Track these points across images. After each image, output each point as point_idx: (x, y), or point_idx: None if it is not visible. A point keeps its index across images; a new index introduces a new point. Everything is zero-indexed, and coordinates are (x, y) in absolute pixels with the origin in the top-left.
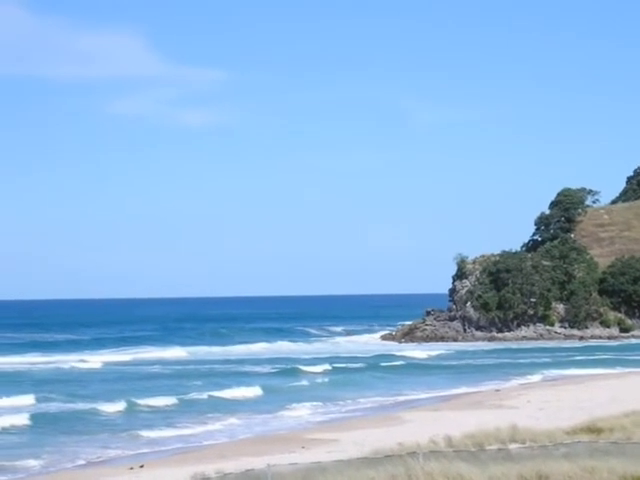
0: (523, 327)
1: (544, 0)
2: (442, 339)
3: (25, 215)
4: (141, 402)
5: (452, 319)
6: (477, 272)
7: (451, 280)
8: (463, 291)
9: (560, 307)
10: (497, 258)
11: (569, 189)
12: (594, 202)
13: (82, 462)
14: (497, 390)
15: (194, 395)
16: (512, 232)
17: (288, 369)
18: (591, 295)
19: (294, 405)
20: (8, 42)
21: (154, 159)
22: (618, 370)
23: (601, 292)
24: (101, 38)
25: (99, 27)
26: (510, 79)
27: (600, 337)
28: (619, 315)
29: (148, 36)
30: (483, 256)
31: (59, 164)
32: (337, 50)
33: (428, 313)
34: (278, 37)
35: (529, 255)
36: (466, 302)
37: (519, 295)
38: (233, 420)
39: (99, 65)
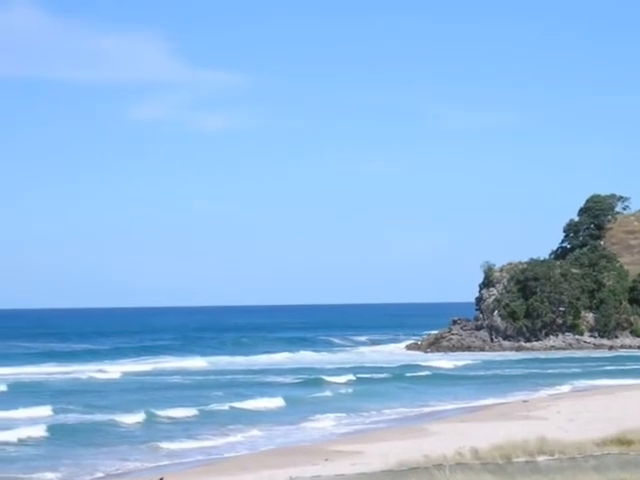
0: (551, 336)
1: (577, 3)
2: (469, 349)
3: (40, 222)
4: (161, 413)
5: (479, 328)
6: (504, 280)
7: (478, 288)
8: (490, 300)
9: (589, 316)
10: (525, 266)
11: (598, 195)
12: (624, 209)
13: (100, 475)
14: (525, 401)
15: (215, 406)
16: (540, 239)
17: (311, 379)
18: (621, 304)
19: (317, 416)
20: (25, 44)
21: (172, 164)
22: None
23: (631, 301)
24: (119, 41)
25: (117, 30)
26: (537, 83)
27: (630, 347)
28: None
29: (167, 39)
30: (511, 264)
31: (75, 170)
32: (358, 53)
33: (454, 322)
34: (297, 39)
35: (558, 263)
36: (493, 311)
37: (547, 304)
38: (255, 432)
39: (117, 68)
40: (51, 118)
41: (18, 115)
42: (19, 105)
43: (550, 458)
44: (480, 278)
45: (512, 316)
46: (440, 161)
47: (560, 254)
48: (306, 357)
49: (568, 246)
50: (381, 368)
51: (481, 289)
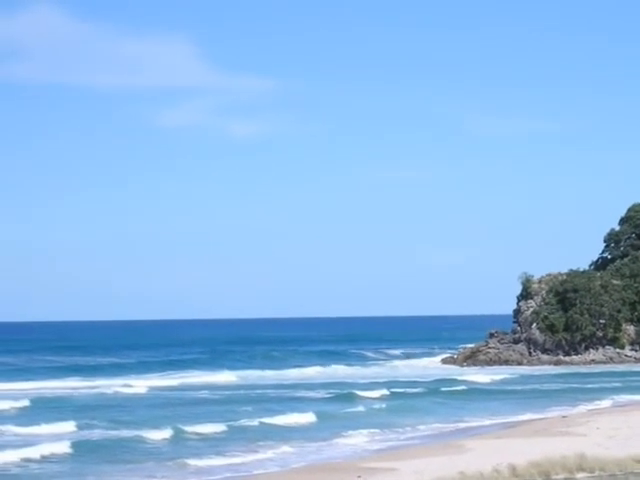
0: (591, 350)
1: (617, 6)
2: (506, 363)
3: (66, 233)
4: (189, 429)
5: (517, 341)
6: (543, 292)
7: (515, 300)
8: (528, 312)
9: (631, 329)
10: (564, 277)
11: None
12: None
13: None
14: (564, 416)
15: (244, 422)
16: (580, 249)
17: (343, 394)
18: None
19: (350, 432)
20: (52, 50)
21: (200, 171)
22: None
23: None
24: (147, 46)
25: (145, 35)
26: (574, 89)
27: None
28: None
29: (195, 44)
30: (549, 275)
31: (102, 178)
32: (389, 59)
33: (491, 335)
34: (327, 44)
35: (598, 274)
36: (531, 324)
37: (587, 316)
38: (285, 448)
39: (145, 74)
40: (77, 125)
41: (44, 122)
42: (45, 111)
43: (589, 475)
44: (518, 290)
45: (551, 329)
46: (476, 170)
47: (600, 265)
48: (338, 371)
49: (609, 256)
50: (415, 382)
51: (519, 301)
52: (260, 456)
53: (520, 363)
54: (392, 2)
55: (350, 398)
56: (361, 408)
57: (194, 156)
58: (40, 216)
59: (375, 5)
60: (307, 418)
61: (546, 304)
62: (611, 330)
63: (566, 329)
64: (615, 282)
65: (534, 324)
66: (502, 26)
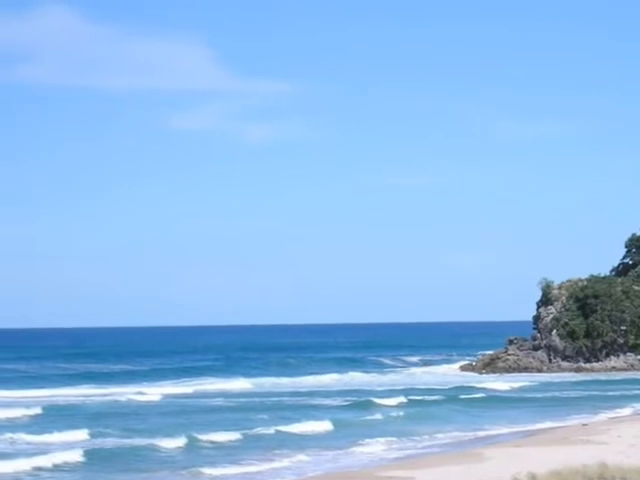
0: (612, 357)
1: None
2: (525, 370)
3: (74, 238)
4: (203, 437)
5: (536, 348)
6: (563, 298)
7: (535, 307)
8: (548, 318)
9: None
10: (585, 283)
11: None
12: None
13: None
14: (584, 424)
15: (260, 430)
16: (601, 255)
17: (361, 402)
18: None
19: (367, 440)
20: (65, 52)
21: (216, 176)
22: None
23: None
24: (162, 48)
25: (160, 37)
26: (594, 91)
27: None
28: None
29: (210, 47)
30: (570, 281)
31: (115, 182)
32: (408, 61)
33: (511, 342)
34: (344, 48)
35: (619, 280)
36: (551, 330)
37: (608, 323)
38: (302, 456)
39: (159, 77)
40: (89, 128)
41: (56, 125)
42: (57, 114)
43: None
44: (537, 296)
45: (571, 336)
46: (496, 174)
47: (622, 270)
48: (355, 378)
49: (630, 262)
50: (434, 390)
51: (539, 307)
52: (276, 465)
53: (540, 370)
54: (409, 4)
55: (367, 406)
56: (378, 416)
57: (207, 160)
58: (50, 219)
59: (392, 7)
60: (323, 426)
61: (566, 310)
62: (632, 337)
63: (587, 336)
64: (636, 288)
65: (554, 330)
66: (516, 29)
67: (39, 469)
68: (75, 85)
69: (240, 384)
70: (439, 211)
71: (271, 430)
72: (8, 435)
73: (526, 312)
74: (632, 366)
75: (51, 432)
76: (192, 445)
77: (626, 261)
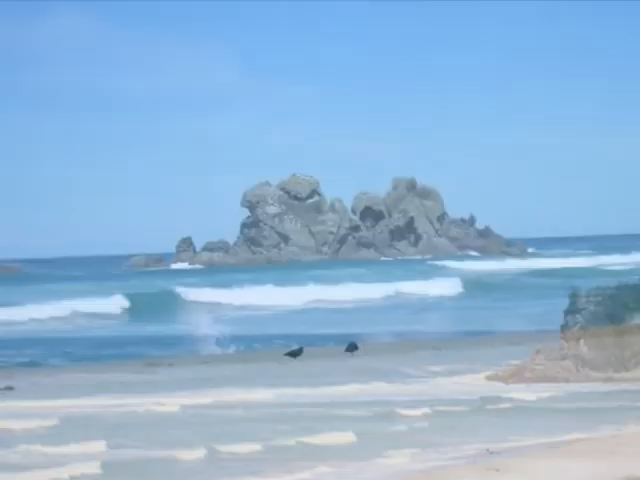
0: None
1: None
2: (553, 380)
3: None
4: (223, 449)
5: (564, 358)
6: (591, 306)
7: (562, 315)
8: (576, 327)
9: None
10: (613, 290)
11: None
12: None
13: None
14: (613, 436)
15: (281, 441)
16: None
17: (384, 412)
18: None
19: (390, 452)
20: (88, 55)
21: (239, 180)
22: None
23: None
24: (184, 52)
25: (182, 40)
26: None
27: None
28: None
29: (233, 50)
30: (597, 288)
31: (139, 189)
32: (427, 64)
33: (538, 351)
34: (367, 51)
35: None
36: (579, 339)
37: (637, 331)
38: (324, 468)
39: (181, 80)
40: (108, 132)
41: (77, 129)
42: (76, 118)
43: None
44: (564, 304)
45: (600, 345)
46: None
47: None
48: (379, 389)
49: None
50: (459, 400)
51: (566, 316)
52: (297, 476)
53: (568, 380)
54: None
55: (391, 416)
56: (402, 427)
57: (233, 163)
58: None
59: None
60: (346, 437)
61: (594, 319)
62: None
63: (616, 345)
64: None
65: (582, 340)
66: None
67: None
68: (94, 88)
69: (261, 394)
70: None
71: (292, 441)
72: (24, 447)
73: (553, 321)
74: None
75: (68, 443)
76: (212, 457)
77: None
